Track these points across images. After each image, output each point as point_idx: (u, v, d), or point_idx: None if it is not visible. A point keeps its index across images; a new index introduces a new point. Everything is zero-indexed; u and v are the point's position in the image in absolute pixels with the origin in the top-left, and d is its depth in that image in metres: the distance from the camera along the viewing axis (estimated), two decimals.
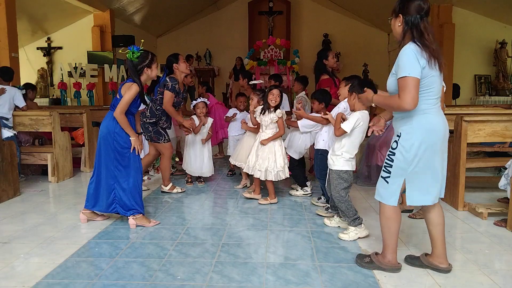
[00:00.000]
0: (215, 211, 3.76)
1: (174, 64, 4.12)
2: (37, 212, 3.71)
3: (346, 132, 2.94)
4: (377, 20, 12.80)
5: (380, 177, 2.39)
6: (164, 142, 4.15)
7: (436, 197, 2.34)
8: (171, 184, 4.34)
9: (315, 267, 2.52)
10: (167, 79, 4.07)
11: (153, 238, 3.03)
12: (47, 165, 4.96)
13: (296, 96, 5.17)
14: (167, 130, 4.26)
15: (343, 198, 3.04)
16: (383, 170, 2.37)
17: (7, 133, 4.68)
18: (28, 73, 9.97)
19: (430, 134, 2.23)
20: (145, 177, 4.97)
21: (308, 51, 12.02)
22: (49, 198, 4.31)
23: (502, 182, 3.36)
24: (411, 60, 2.12)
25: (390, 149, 2.32)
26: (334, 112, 3.29)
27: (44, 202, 4.10)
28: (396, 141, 2.30)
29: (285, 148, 4.17)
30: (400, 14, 2.21)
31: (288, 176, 4.00)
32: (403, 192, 2.36)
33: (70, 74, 9.61)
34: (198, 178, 4.85)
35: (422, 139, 2.21)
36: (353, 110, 3.04)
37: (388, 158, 2.33)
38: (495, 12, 9.45)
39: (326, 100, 3.79)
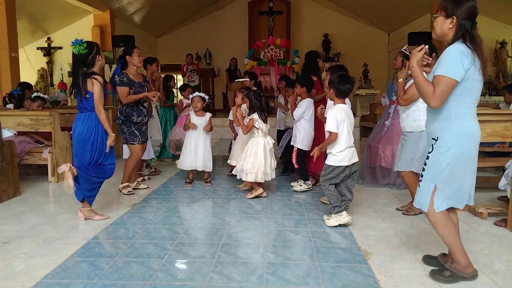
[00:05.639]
0: (215, 211, 3.76)
1: (127, 56, 4.17)
2: (37, 212, 3.70)
3: (336, 133, 3.16)
4: (377, 20, 12.80)
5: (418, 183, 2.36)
6: (138, 144, 4.18)
7: (458, 203, 2.30)
8: (126, 184, 4.34)
9: (315, 267, 2.52)
10: (115, 77, 4.16)
11: (153, 238, 3.03)
12: (47, 165, 4.96)
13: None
14: (144, 130, 4.29)
15: (326, 187, 3.29)
16: (420, 174, 2.33)
17: (7, 133, 4.68)
18: (28, 73, 9.98)
19: (466, 139, 2.17)
20: (140, 178, 4.94)
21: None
22: (49, 198, 4.31)
23: (502, 182, 3.37)
24: (454, 60, 2.06)
25: (427, 153, 2.27)
26: (327, 110, 3.41)
27: (44, 202, 4.10)
28: (432, 145, 2.24)
29: (292, 145, 4.25)
30: (454, 16, 2.10)
31: (270, 179, 4.08)
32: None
33: (70, 74, 9.60)
34: (205, 179, 4.79)
35: (459, 145, 2.16)
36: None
37: (424, 162, 2.29)
38: (495, 12, 9.44)
39: (307, 85, 4.21)
